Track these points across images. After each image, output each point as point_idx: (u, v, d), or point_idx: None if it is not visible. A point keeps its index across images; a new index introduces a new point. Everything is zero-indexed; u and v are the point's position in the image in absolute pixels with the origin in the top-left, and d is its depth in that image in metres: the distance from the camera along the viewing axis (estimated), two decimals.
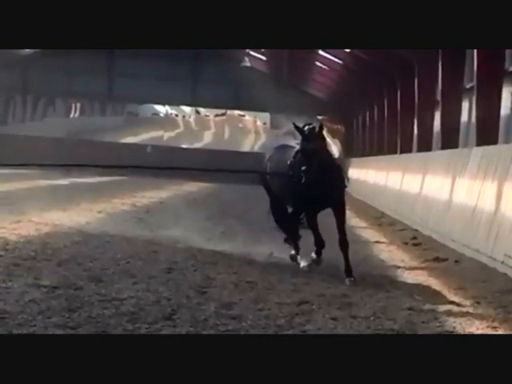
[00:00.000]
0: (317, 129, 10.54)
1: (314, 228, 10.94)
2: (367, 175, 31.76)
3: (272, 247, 11.94)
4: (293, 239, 11.58)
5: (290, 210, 11.73)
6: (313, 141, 10.36)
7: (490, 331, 7.51)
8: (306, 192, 10.47)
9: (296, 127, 10.53)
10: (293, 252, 11.50)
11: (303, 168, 10.22)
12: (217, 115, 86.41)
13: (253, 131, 79.46)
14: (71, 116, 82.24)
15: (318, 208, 10.99)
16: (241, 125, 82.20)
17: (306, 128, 10.53)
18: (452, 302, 9.04)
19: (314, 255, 10.95)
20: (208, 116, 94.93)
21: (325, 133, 10.82)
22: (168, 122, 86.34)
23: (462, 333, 7.33)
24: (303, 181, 10.20)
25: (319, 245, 10.91)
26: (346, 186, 10.95)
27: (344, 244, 10.50)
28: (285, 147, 11.65)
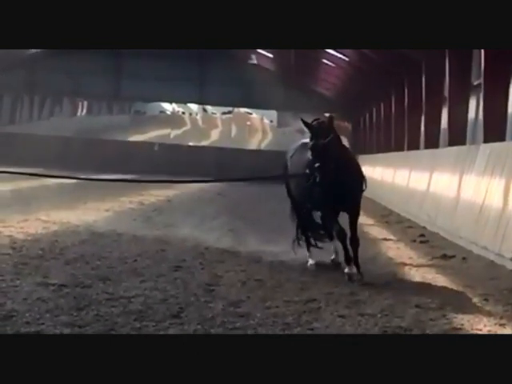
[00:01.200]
0: (326, 123, 10.01)
1: (330, 232, 10.59)
2: (374, 172, 31.74)
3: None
4: (309, 244, 11.26)
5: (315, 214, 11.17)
6: (323, 136, 9.75)
7: (497, 328, 7.49)
8: (321, 192, 10.00)
9: (304, 123, 9.99)
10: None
11: (316, 165, 9.63)
12: (224, 113, 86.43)
13: (260, 129, 79.43)
14: (78, 115, 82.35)
15: (336, 209, 10.41)
16: (249, 122, 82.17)
17: (315, 123, 10.00)
18: (460, 300, 9.02)
19: (344, 266, 10.24)
20: (215, 114, 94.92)
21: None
22: (175, 119, 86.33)
23: (469, 332, 7.31)
24: (317, 180, 9.65)
25: (346, 256, 10.13)
26: (364, 186, 10.37)
27: (355, 242, 10.13)
28: (306, 145, 10.56)
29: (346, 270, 9.93)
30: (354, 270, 9.95)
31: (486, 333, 7.24)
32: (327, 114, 50.14)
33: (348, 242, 10.10)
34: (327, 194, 9.99)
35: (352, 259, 10.01)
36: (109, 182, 21.89)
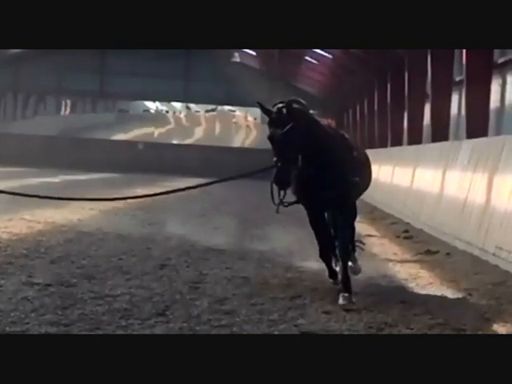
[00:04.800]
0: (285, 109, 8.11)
1: (317, 235, 8.99)
2: None
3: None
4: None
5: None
6: (281, 125, 8.02)
7: (482, 323, 7.53)
8: (298, 189, 8.68)
9: (263, 109, 8.25)
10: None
11: (274, 159, 8.01)
12: (207, 111, 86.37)
13: (244, 126, 79.40)
14: (62, 113, 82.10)
15: (318, 208, 8.90)
16: (234, 120, 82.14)
17: (275, 108, 8.20)
18: (444, 295, 9.07)
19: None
20: (199, 112, 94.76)
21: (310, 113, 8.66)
22: (159, 118, 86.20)
23: (454, 327, 7.35)
24: (275, 175, 7.99)
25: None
26: (351, 182, 8.66)
27: (342, 252, 8.67)
28: None
29: (340, 301, 8.23)
30: (349, 299, 8.23)
31: (484, 333, 7.25)
32: (311, 112, 50.31)
33: (337, 251, 8.81)
34: (299, 190, 8.64)
35: (348, 284, 8.39)
36: (93, 181, 21.89)
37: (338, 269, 8.98)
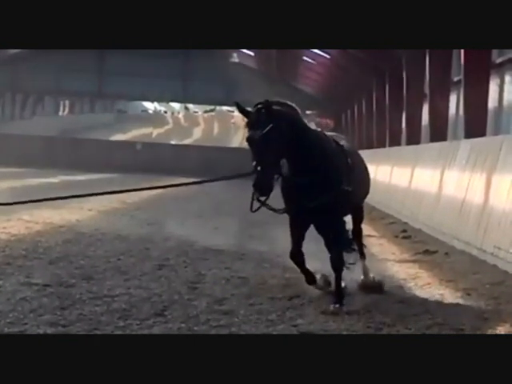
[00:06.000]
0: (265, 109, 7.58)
1: (292, 236, 8.39)
2: None
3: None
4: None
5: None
6: (260, 126, 7.48)
7: (480, 323, 7.54)
8: (283, 197, 8.22)
9: (239, 108, 7.75)
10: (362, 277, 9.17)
11: (253, 163, 7.47)
12: (206, 111, 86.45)
13: (242, 127, 79.44)
14: (60, 114, 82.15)
15: (302, 219, 8.27)
16: (233, 120, 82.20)
17: (253, 109, 7.68)
18: (442, 295, 9.07)
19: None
20: (197, 112, 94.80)
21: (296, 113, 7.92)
22: (157, 118, 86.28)
23: (452, 327, 7.36)
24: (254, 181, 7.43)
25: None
26: (341, 191, 8.04)
27: (335, 264, 8.18)
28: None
29: (331, 308, 7.92)
30: (339, 311, 7.87)
31: (482, 332, 7.26)
32: (309, 112, 50.10)
33: (330, 262, 8.24)
34: (285, 197, 8.19)
35: (340, 296, 8.08)
36: (92, 181, 21.91)
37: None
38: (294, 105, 7.96)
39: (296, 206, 8.07)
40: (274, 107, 7.62)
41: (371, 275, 9.23)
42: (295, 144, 7.70)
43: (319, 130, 8.67)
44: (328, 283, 8.67)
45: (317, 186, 7.86)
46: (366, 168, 9.51)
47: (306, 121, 8.12)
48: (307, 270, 8.52)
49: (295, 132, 7.71)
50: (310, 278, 8.56)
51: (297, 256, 8.33)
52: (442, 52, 23.06)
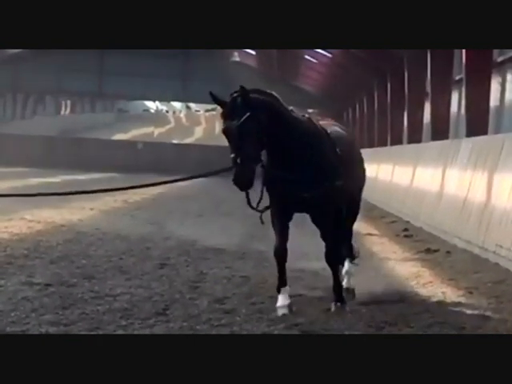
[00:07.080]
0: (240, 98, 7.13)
1: (276, 230, 7.76)
2: None
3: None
4: None
5: None
6: (236, 116, 7.07)
7: (482, 321, 7.53)
8: (268, 188, 7.69)
9: (214, 99, 7.34)
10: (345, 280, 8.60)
11: (231, 155, 7.16)
12: (207, 110, 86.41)
13: None
14: (61, 113, 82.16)
15: (286, 209, 7.73)
16: None
17: (229, 98, 7.28)
18: (444, 293, 9.07)
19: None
20: (199, 111, 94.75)
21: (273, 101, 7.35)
22: (159, 117, 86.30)
23: (454, 326, 7.35)
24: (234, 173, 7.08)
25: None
26: (329, 186, 7.51)
27: (330, 258, 7.82)
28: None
29: (333, 307, 7.76)
30: (342, 309, 7.71)
31: (483, 332, 7.25)
32: (310, 111, 50.18)
33: (325, 257, 7.85)
34: (269, 188, 7.64)
35: (340, 293, 7.84)
36: (93, 181, 21.89)
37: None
38: (274, 93, 7.45)
39: (281, 199, 7.59)
40: (251, 95, 7.14)
41: (351, 281, 8.60)
42: (276, 133, 7.24)
43: (306, 116, 8.02)
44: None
45: (305, 179, 7.37)
46: (359, 158, 9.01)
47: (289, 108, 7.59)
48: (285, 272, 7.72)
49: (275, 121, 7.22)
50: (282, 282, 7.72)
51: (283, 253, 7.63)
52: (443, 51, 23.04)
